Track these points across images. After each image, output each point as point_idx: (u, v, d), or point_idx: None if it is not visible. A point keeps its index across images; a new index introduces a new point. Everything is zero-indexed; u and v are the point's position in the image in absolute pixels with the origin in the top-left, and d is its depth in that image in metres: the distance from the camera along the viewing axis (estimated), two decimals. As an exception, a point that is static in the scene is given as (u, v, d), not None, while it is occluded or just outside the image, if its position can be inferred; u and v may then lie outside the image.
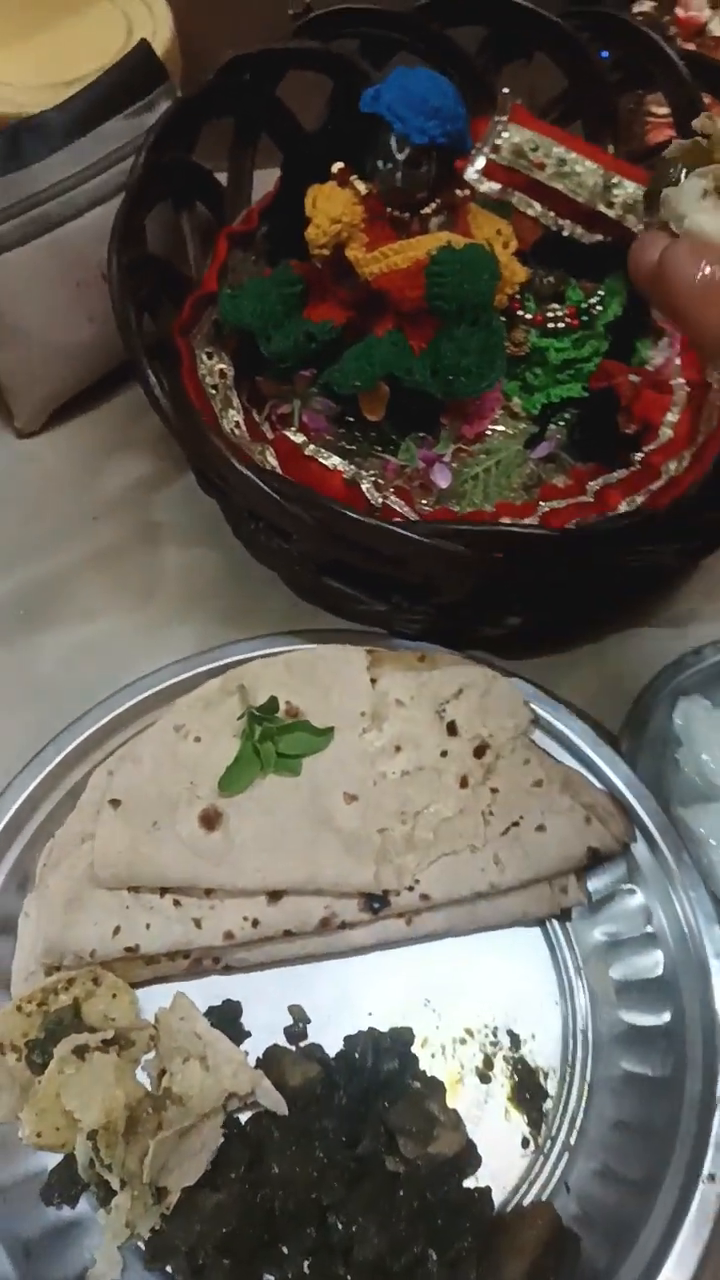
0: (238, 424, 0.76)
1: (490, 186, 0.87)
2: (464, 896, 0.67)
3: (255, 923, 0.65)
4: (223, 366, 0.77)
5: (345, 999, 0.68)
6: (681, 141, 0.47)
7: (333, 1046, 0.66)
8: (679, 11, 0.99)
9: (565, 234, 0.87)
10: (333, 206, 0.73)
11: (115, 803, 0.67)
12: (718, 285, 0.43)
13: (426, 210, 0.74)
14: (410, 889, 0.67)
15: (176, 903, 0.66)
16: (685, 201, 0.44)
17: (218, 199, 0.84)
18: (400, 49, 0.85)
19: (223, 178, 0.85)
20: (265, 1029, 0.67)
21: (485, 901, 0.68)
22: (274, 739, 0.69)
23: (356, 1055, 0.64)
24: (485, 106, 0.88)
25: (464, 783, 0.70)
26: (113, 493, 0.90)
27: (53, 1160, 0.61)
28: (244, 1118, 0.63)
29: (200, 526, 0.84)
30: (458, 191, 0.75)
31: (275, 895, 0.66)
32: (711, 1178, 0.58)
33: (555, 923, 0.70)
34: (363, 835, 0.67)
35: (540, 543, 0.60)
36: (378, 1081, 0.63)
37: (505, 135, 0.86)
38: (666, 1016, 0.65)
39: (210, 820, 0.67)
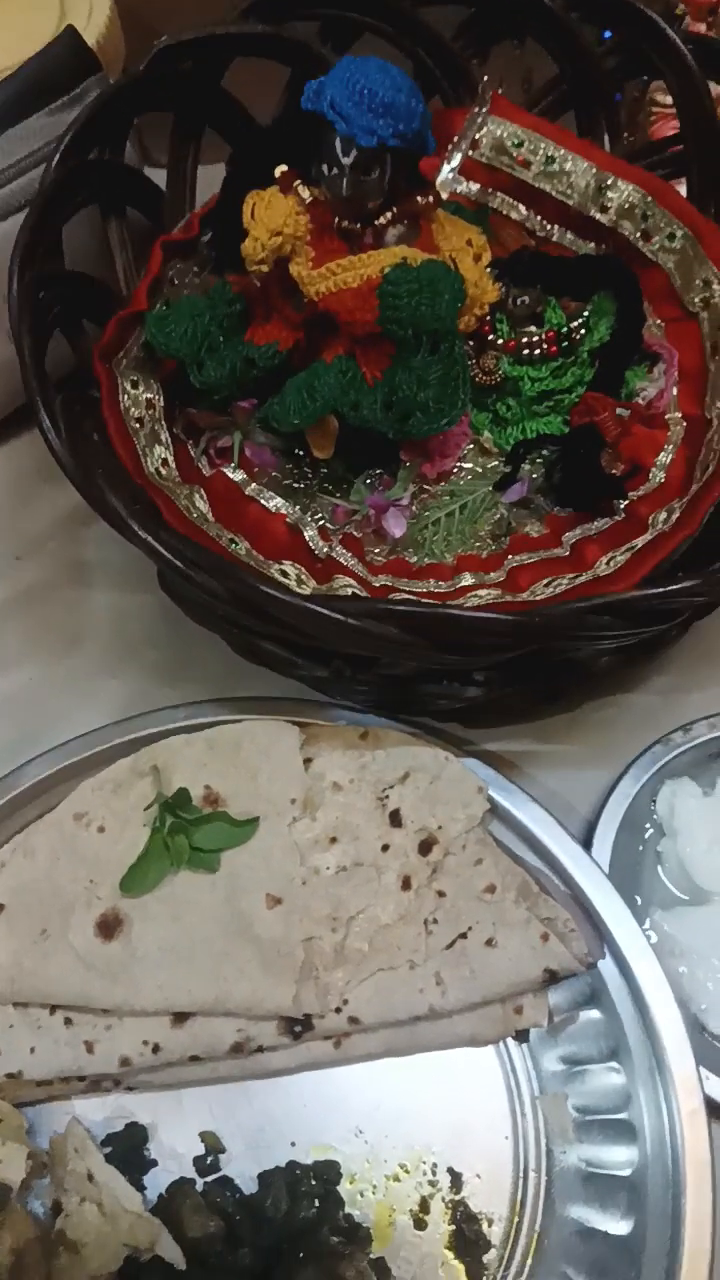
0: (165, 461, 0.67)
1: (469, 187, 0.78)
2: (399, 1020, 0.59)
3: (156, 1048, 0.57)
4: (150, 396, 0.69)
5: (266, 1124, 0.61)
6: None
7: (248, 1180, 0.58)
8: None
9: (554, 240, 0.77)
10: (273, 217, 0.63)
11: (-1, 907, 0.59)
12: None
13: (381, 221, 0.64)
14: (337, 1010, 0.59)
15: (68, 1021, 0.58)
16: None
17: (157, 204, 0.75)
18: (365, 31, 0.75)
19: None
20: (173, 1158, 0.60)
21: (427, 1023, 0.60)
22: (187, 831, 0.60)
23: (268, 1203, 0.56)
24: (465, 96, 0.77)
25: (406, 884, 0.61)
26: (39, 528, 0.81)
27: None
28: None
29: (136, 567, 0.75)
30: (420, 199, 0.65)
31: (180, 1016, 0.58)
32: None
33: (510, 1041, 0.62)
34: (285, 946, 0.59)
35: (484, 629, 0.51)
36: (292, 1231, 0.56)
37: (485, 129, 0.76)
38: (631, 1160, 0.57)
39: (109, 927, 0.59)
